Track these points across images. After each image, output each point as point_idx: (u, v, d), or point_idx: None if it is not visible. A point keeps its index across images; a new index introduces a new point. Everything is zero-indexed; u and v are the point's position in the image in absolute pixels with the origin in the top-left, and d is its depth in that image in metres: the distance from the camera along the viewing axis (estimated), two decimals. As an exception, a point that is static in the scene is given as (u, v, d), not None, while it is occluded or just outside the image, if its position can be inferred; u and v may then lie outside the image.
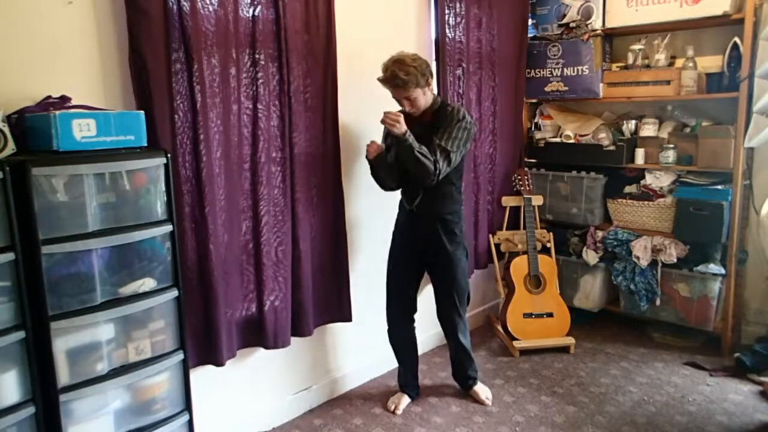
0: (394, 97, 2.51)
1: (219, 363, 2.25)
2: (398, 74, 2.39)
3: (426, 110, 2.55)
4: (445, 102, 2.63)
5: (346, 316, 2.75)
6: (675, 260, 3.26)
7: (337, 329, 2.82)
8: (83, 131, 1.62)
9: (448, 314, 2.76)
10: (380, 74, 2.45)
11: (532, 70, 3.74)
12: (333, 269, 2.71)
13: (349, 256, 2.75)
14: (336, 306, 2.74)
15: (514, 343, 3.32)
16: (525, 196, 3.50)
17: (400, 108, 2.54)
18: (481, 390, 2.87)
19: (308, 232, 2.56)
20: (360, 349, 3.01)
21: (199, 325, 2.20)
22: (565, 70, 3.60)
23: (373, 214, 2.99)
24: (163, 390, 1.90)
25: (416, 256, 2.71)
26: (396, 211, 2.78)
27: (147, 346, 1.82)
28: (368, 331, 3.03)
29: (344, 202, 2.69)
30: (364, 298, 2.95)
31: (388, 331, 2.81)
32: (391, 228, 2.90)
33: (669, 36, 3.37)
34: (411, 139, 2.42)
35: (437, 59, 3.16)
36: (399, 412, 2.75)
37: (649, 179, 3.43)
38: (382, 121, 2.43)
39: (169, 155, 1.81)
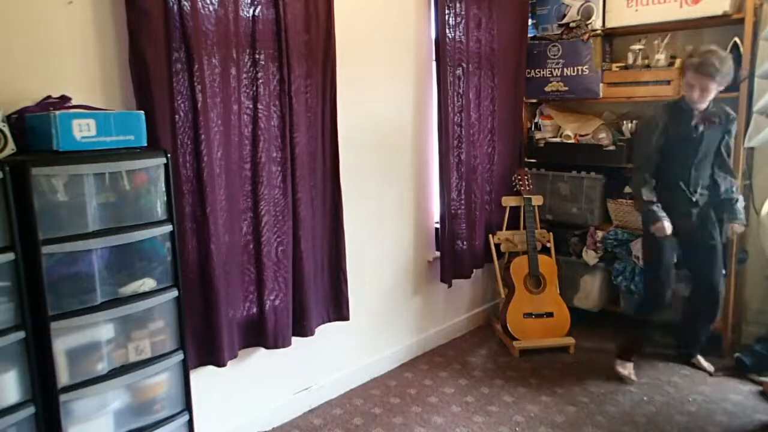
0: (689, 83, 2.70)
1: (220, 363, 2.25)
2: (712, 62, 2.60)
3: (708, 107, 2.79)
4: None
5: (344, 316, 2.75)
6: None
7: (336, 329, 2.82)
8: (83, 131, 1.62)
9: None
10: (690, 58, 2.69)
11: (532, 70, 3.74)
12: (331, 269, 2.71)
13: (347, 256, 2.75)
14: (334, 306, 2.74)
15: (514, 343, 3.32)
16: (525, 196, 3.50)
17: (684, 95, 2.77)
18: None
19: (308, 231, 2.56)
20: (360, 349, 3.01)
21: (200, 325, 2.20)
22: (565, 70, 3.59)
23: (372, 214, 2.99)
24: (163, 390, 1.90)
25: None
26: (392, 214, 2.76)
27: (147, 346, 1.82)
28: (368, 331, 3.03)
29: (343, 203, 2.68)
30: (364, 298, 2.95)
31: (652, 308, 3.01)
32: (389, 228, 2.90)
33: (669, 36, 3.36)
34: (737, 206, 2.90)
35: (437, 59, 3.16)
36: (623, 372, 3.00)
37: (649, 179, 3.43)
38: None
39: (169, 155, 1.81)
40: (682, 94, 2.83)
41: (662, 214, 2.81)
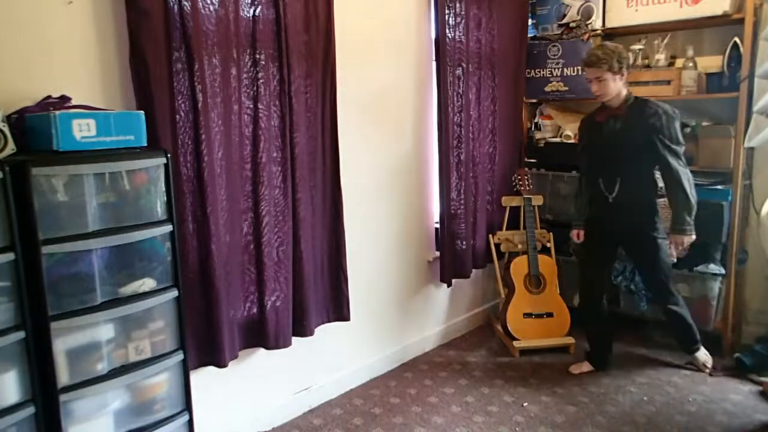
0: (587, 78, 2.78)
1: (221, 364, 2.25)
2: (595, 52, 2.71)
3: (620, 104, 2.79)
4: (639, 97, 2.81)
5: (344, 316, 2.75)
6: (675, 260, 3.25)
7: (336, 329, 2.82)
8: (83, 131, 1.62)
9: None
10: (585, 58, 2.77)
11: (532, 70, 3.74)
12: (331, 269, 2.71)
13: (347, 256, 2.75)
14: (335, 306, 2.74)
15: (514, 343, 3.32)
16: (525, 196, 3.50)
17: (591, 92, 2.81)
18: (701, 357, 3.07)
19: (308, 231, 2.56)
20: (360, 349, 3.01)
21: (201, 326, 2.20)
22: (565, 70, 3.60)
23: (372, 214, 2.99)
24: (163, 390, 1.89)
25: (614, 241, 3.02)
26: (392, 213, 2.76)
27: (147, 346, 1.82)
28: (368, 331, 3.03)
29: (343, 203, 2.68)
30: (364, 298, 2.95)
31: (586, 312, 3.10)
32: (389, 228, 2.89)
33: (669, 36, 3.37)
34: (689, 224, 2.76)
35: (437, 59, 3.16)
36: (575, 372, 3.08)
37: (649, 179, 3.43)
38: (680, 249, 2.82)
39: (168, 155, 1.81)
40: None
41: (578, 222, 3.09)
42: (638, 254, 3.00)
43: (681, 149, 2.75)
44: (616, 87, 2.76)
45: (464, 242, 3.42)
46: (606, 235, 2.98)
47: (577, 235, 3.09)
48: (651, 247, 2.86)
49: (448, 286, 3.41)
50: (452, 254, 3.38)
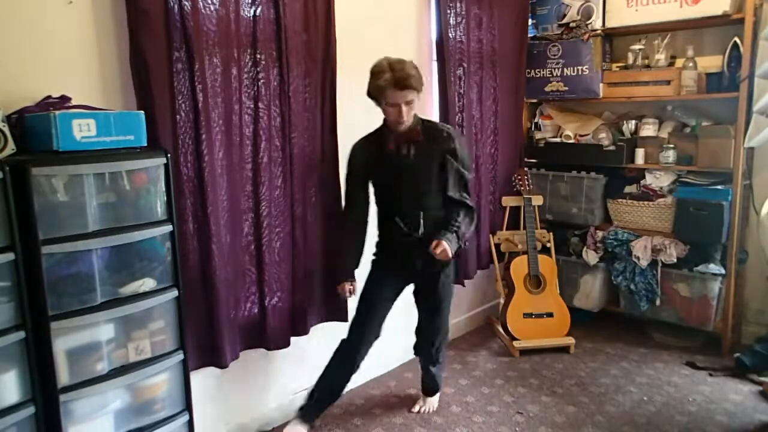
0: (389, 102, 2.27)
1: (222, 365, 2.25)
2: (412, 73, 2.23)
3: (412, 127, 2.36)
4: (423, 119, 2.43)
5: (343, 317, 2.75)
6: (675, 260, 3.26)
7: (336, 329, 2.80)
8: (83, 131, 1.62)
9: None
10: (380, 77, 2.24)
11: (532, 70, 3.74)
12: (331, 270, 2.71)
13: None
14: (334, 306, 2.73)
15: (514, 343, 3.32)
16: (525, 196, 3.50)
17: (386, 118, 2.34)
18: (433, 401, 2.78)
19: (308, 231, 2.55)
20: (360, 349, 3.01)
21: (202, 327, 2.20)
22: (565, 70, 3.59)
23: (372, 214, 2.98)
24: (163, 390, 1.90)
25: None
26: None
27: (147, 346, 1.82)
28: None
29: (342, 203, 2.68)
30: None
31: (347, 348, 2.52)
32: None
33: (669, 36, 3.37)
34: (456, 237, 2.35)
35: (438, 59, 3.16)
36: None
37: (649, 179, 3.43)
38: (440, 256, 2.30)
39: (168, 155, 1.81)
40: (382, 124, 2.43)
41: (349, 275, 2.50)
42: (432, 297, 2.58)
43: (470, 179, 2.46)
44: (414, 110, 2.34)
45: (467, 243, 3.41)
46: (398, 278, 2.55)
47: (350, 291, 2.50)
48: (446, 291, 2.57)
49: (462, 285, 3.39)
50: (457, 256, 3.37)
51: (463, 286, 3.41)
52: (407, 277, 2.58)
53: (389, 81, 2.22)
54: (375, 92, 2.29)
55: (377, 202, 2.52)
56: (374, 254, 2.58)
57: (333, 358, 2.53)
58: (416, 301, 2.68)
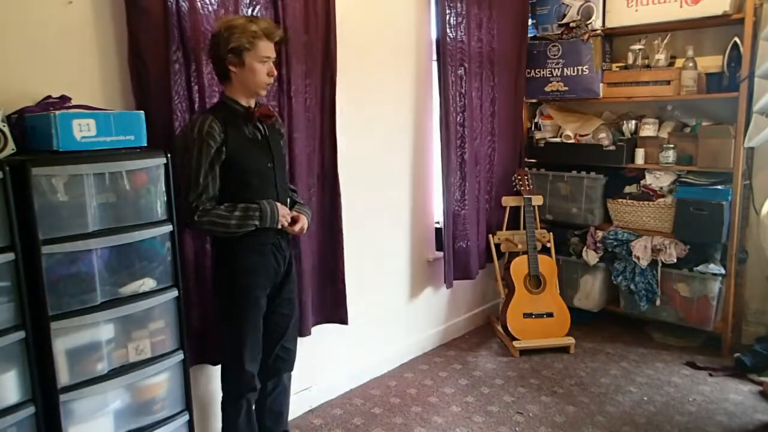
0: (261, 56, 1.87)
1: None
2: (272, 23, 1.96)
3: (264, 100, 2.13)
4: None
5: (342, 318, 2.74)
6: (675, 260, 3.26)
7: (336, 329, 2.81)
8: (83, 131, 1.62)
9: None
10: (247, 27, 1.84)
11: (532, 70, 3.73)
12: (330, 270, 2.71)
13: (345, 257, 2.74)
14: (332, 307, 2.73)
15: (514, 343, 3.32)
16: (525, 196, 3.50)
17: (265, 81, 1.92)
18: None
19: (307, 232, 2.55)
20: (360, 349, 3.01)
21: (202, 326, 2.20)
22: (565, 70, 3.59)
23: (371, 214, 2.99)
24: (163, 390, 1.90)
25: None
26: (392, 213, 2.73)
27: (147, 346, 1.82)
28: (367, 331, 3.03)
29: (341, 203, 2.68)
30: (364, 298, 2.95)
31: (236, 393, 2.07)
32: (388, 228, 2.87)
33: (669, 36, 3.36)
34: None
35: (439, 59, 3.16)
36: None
37: (649, 179, 3.43)
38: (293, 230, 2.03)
39: (169, 155, 1.81)
40: (233, 90, 1.94)
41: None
42: (289, 308, 2.15)
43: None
44: None
45: (467, 242, 3.41)
46: (268, 286, 2.06)
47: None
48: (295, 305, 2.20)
49: (448, 287, 3.40)
50: (456, 255, 3.37)
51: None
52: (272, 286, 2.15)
53: (263, 29, 1.86)
54: (244, 44, 1.83)
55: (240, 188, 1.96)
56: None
57: None
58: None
